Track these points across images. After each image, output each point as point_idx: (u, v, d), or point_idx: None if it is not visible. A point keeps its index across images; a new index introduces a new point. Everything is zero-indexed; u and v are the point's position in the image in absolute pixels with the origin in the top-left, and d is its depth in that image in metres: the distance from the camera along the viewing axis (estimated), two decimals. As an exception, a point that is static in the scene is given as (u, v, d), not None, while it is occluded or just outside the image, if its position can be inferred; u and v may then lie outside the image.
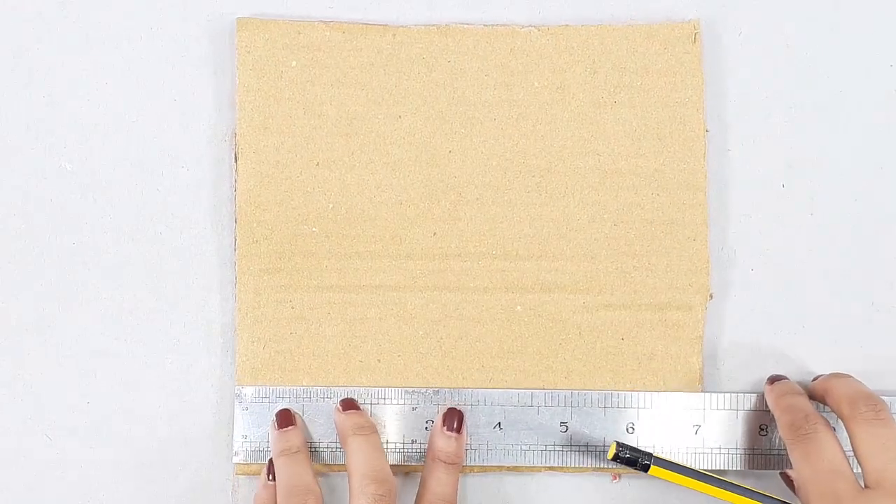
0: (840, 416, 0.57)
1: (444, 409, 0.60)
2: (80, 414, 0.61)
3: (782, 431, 0.57)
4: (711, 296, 0.62)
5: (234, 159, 0.62)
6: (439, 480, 0.58)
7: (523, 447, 0.60)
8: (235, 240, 0.61)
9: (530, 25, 0.62)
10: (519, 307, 0.61)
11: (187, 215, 0.62)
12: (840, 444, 0.55)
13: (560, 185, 0.62)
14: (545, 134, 0.62)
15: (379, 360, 0.61)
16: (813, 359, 0.62)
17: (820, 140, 0.63)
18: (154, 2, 0.63)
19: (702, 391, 0.61)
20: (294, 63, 0.62)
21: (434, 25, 0.62)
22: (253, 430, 0.60)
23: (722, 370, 0.62)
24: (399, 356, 0.61)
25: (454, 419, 0.59)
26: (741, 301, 0.62)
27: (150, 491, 0.61)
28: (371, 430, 0.59)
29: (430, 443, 0.59)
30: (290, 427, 0.59)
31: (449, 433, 0.59)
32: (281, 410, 0.60)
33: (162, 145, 0.62)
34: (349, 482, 0.57)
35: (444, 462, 0.58)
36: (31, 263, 0.62)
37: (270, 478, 0.59)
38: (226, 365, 0.62)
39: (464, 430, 0.59)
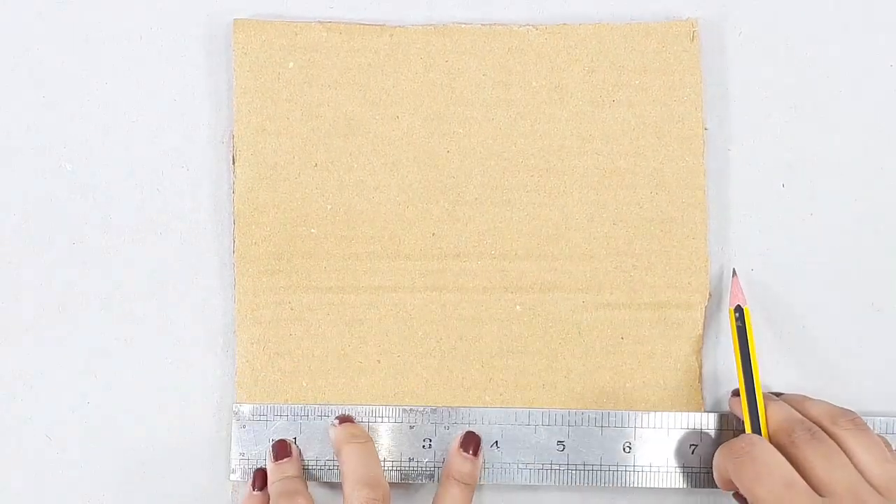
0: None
1: (462, 432, 0.60)
2: (80, 414, 0.61)
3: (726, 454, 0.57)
4: (710, 295, 0.61)
5: (231, 161, 0.62)
6: (454, 498, 0.58)
7: (520, 466, 0.60)
8: (234, 241, 0.61)
9: (528, 24, 0.62)
10: (518, 307, 0.61)
11: (187, 215, 0.62)
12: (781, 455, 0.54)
13: (559, 185, 0.62)
14: (543, 133, 0.62)
15: (378, 361, 0.61)
16: (813, 359, 0.62)
17: (820, 140, 0.63)
18: (153, 2, 0.63)
19: (700, 391, 0.61)
20: (291, 64, 0.61)
21: (431, 25, 0.62)
22: (250, 448, 0.60)
23: (721, 370, 0.62)
24: (398, 356, 0.61)
25: (471, 442, 0.59)
26: (741, 301, 0.62)
27: (150, 490, 0.61)
28: (365, 438, 0.59)
29: (447, 463, 0.59)
30: (285, 459, 0.59)
31: (466, 455, 0.59)
32: (277, 442, 0.60)
33: (162, 145, 0.62)
34: (343, 489, 0.57)
35: (459, 482, 0.59)
36: (31, 263, 0.62)
37: (256, 489, 0.59)
38: (226, 365, 0.62)
39: (480, 454, 0.59)
